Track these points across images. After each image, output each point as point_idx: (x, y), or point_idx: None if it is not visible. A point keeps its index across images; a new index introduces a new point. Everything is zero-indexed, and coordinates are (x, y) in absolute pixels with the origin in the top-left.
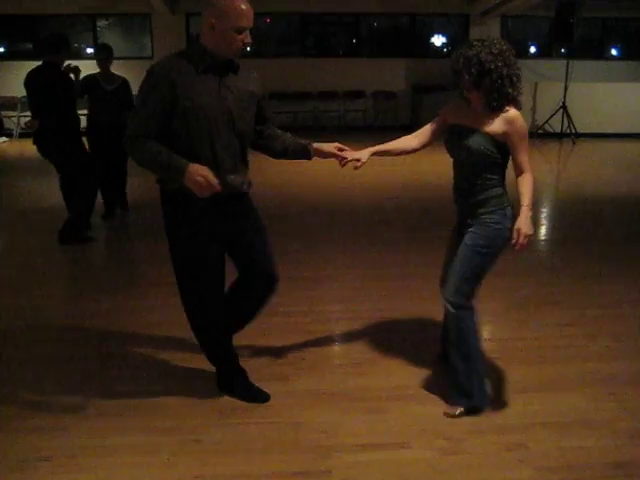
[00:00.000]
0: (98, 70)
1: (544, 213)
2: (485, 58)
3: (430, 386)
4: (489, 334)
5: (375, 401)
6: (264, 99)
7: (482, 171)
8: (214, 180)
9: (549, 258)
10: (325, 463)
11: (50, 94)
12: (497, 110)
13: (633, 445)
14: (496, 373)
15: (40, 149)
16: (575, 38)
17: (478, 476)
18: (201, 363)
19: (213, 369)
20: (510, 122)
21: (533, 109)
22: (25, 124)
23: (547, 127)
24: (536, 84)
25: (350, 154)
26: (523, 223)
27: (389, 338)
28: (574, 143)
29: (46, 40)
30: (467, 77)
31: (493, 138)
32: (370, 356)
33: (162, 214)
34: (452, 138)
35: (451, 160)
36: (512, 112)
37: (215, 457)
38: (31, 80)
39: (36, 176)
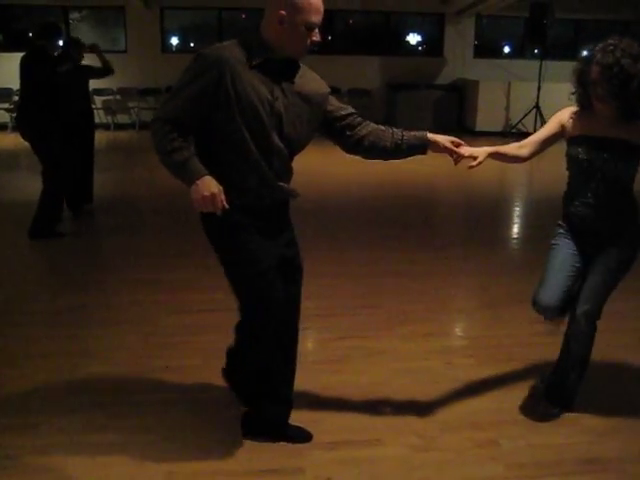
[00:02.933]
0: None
1: (517, 212)
2: (626, 64)
3: (403, 384)
4: (461, 332)
5: (348, 398)
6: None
7: (629, 186)
8: (220, 204)
9: (521, 256)
10: (298, 461)
11: (33, 78)
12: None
13: (601, 442)
14: (468, 370)
15: (21, 132)
16: (548, 39)
17: (450, 473)
18: (174, 360)
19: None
20: None
21: (507, 108)
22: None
23: (520, 126)
24: (509, 83)
25: (467, 150)
26: None
27: (363, 335)
28: None
29: (41, 27)
30: (607, 87)
31: None
32: (343, 353)
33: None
34: (596, 153)
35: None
36: None
37: (188, 454)
38: (21, 63)
39: (8, 170)
